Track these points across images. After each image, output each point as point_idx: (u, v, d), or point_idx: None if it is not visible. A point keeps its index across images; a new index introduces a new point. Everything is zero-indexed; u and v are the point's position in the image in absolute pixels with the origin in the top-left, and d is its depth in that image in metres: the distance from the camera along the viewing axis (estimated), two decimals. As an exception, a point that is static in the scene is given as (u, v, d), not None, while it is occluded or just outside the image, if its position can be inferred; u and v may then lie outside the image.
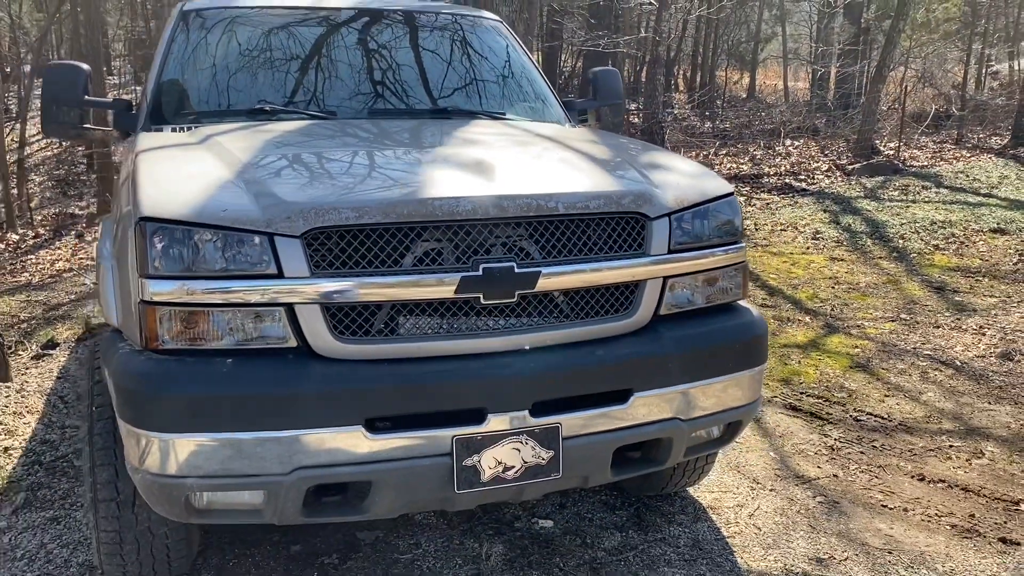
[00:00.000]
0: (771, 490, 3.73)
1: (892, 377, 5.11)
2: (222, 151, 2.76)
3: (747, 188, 11.34)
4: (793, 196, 10.77)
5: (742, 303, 2.88)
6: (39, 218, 12.40)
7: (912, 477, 3.88)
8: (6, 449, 3.97)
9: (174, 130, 3.27)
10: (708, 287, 2.74)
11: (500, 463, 2.37)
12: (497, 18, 4.50)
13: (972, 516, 3.53)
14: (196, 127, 3.25)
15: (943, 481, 3.84)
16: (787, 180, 11.75)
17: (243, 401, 2.22)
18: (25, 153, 13.80)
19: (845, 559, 3.20)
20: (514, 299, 2.39)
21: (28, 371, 4.99)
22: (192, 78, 3.64)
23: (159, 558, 2.79)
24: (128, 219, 2.42)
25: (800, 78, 26.32)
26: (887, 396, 4.83)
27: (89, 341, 5.59)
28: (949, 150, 13.61)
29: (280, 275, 2.25)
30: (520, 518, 3.43)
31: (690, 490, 3.68)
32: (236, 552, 3.17)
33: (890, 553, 3.25)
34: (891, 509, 3.59)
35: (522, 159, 2.96)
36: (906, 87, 15.35)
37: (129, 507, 2.66)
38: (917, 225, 8.94)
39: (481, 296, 2.36)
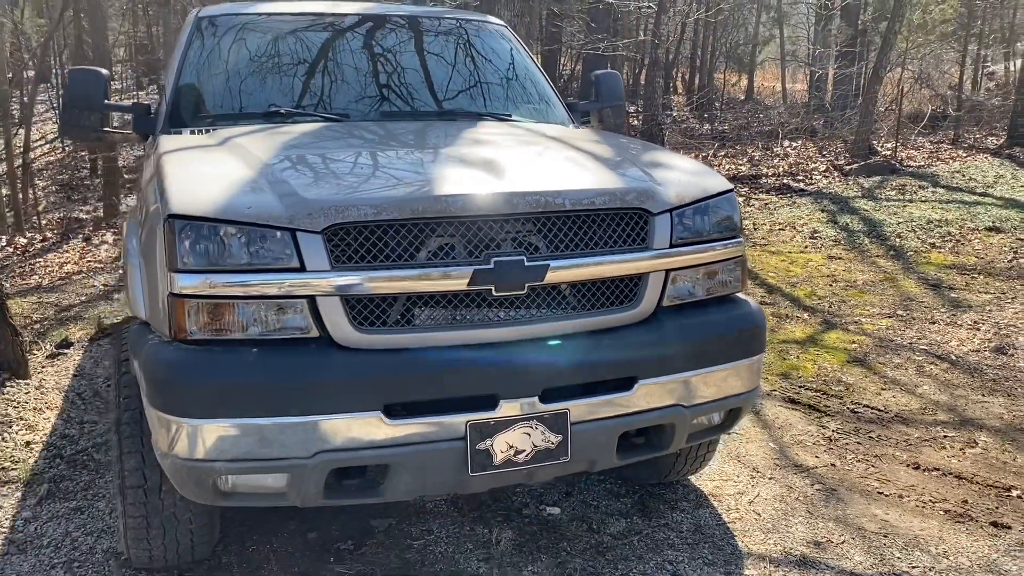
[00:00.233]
0: (770, 478, 3.85)
1: (888, 371, 5.23)
2: (242, 152, 2.88)
3: (746, 189, 11.47)
4: (791, 196, 10.89)
5: (741, 295, 3.00)
6: (45, 222, 12.53)
7: (907, 466, 4.00)
8: (28, 443, 4.09)
9: (193, 132, 3.39)
10: (708, 280, 2.86)
11: (512, 447, 2.49)
12: (501, 22, 4.63)
13: (965, 502, 3.65)
14: (214, 129, 3.37)
15: (937, 469, 3.96)
16: (785, 181, 11.88)
17: (268, 388, 2.34)
18: (29, 158, 13.93)
19: (842, 542, 3.32)
20: (524, 291, 2.51)
21: (44, 369, 5.11)
22: (208, 82, 3.76)
23: (183, 543, 2.91)
24: (155, 217, 2.54)
25: (798, 80, 26.46)
26: (883, 389, 4.95)
27: (103, 340, 5.71)
28: (946, 150, 13.74)
29: (302, 268, 2.37)
30: (528, 505, 3.55)
31: (692, 478, 3.80)
32: (255, 539, 3.28)
33: (885, 537, 3.36)
34: (887, 496, 3.71)
35: (529, 158, 3.08)
36: (902, 88, 15.49)
37: (156, 493, 2.78)
38: (914, 224, 9.06)
39: (493, 288, 2.48)
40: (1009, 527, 3.44)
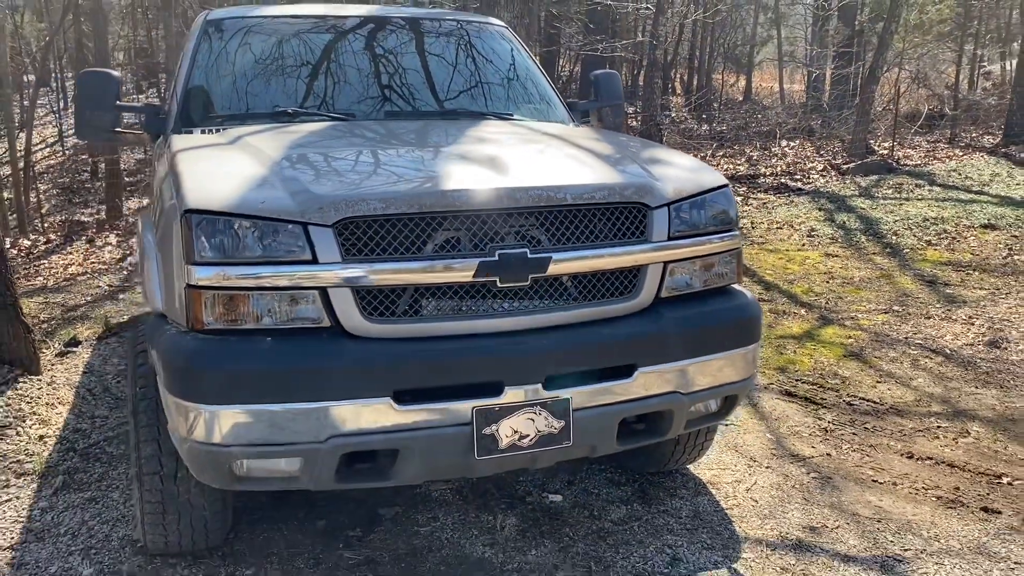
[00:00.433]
0: (767, 467, 3.95)
1: (884, 365, 5.33)
2: (254, 150, 2.98)
3: (744, 188, 11.57)
4: (789, 195, 10.99)
5: (737, 287, 3.10)
6: (47, 224, 12.62)
7: (901, 455, 4.10)
8: (42, 437, 4.19)
9: (203, 132, 3.49)
10: (705, 272, 2.96)
11: (516, 432, 2.59)
12: (502, 23, 4.73)
13: (957, 489, 3.75)
14: (224, 129, 3.47)
15: (930, 458, 4.06)
16: (783, 180, 11.98)
17: (282, 376, 2.44)
18: (31, 161, 14.02)
19: (837, 527, 3.42)
20: (527, 282, 2.61)
21: (54, 367, 5.20)
22: (217, 83, 3.86)
23: (198, 528, 3.01)
24: (172, 212, 2.64)
25: (796, 80, 26.59)
26: (879, 382, 5.05)
27: (111, 338, 5.81)
28: (942, 149, 13.84)
29: (315, 261, 2.47)
30: (531, 493, 3.65)
31: (691, 467, 3.89)
32: (265, 527, 3.38)
33: (879, 522, 3.46)
34: (881, 484, 3.81)
35: (531, 155, 3.18)
36: (899, 88, 15.60)
37: (171, 480, 2.87)
38: (910, 222, 9.16)
39: (497, 280, 2.57)
40: (999, 512, 3.54)
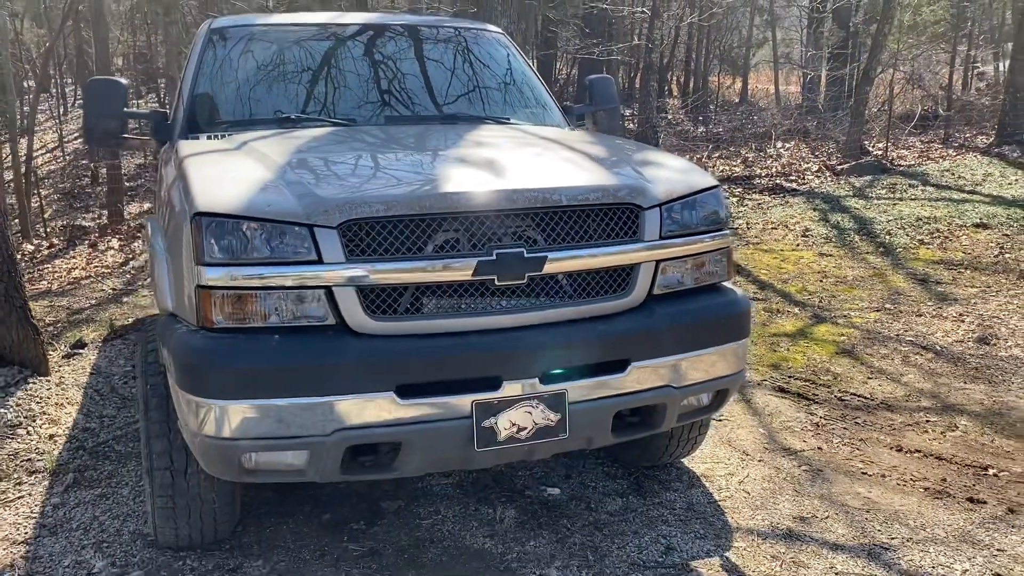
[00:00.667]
0: (760, 461, 4.05)
1: (875, 361, 5.43)
2: (259, 155, 3.09)
3: (739, 189, 11.68)
4: (784, 196, 11.10)
5: (727, 284, 3.21)
6: (50, 229, 12.73)
7: (891, 448, 4.20)
8: (52, 436, 4.29)
9: (210, 138, 3.59)
10: (696, 270, 3.07)
11: (514, 424, 2.69)
12: (499, 30, 4.84)
13: (944, 480, 3.85)
14: (230, 135, 3.58)
15: (919, 451, 4.16)
16: (778, 181, 12.09)
17: (289, 372, 2.55)
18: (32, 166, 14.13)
19: (826, 518, 3.52)
20: (524, 281, 2.72)
21: (61, 368, 5.30)
22: (222, 90, 3.96)
23: (207, 521, 3.11)
24: (181, 215, 2.74)
25: (792, 82, 26.72)
26: (870, 378, 5.15)
27: (116, 340, 5.91)
28: (936, 149, 13.95)
29: (320, 261, 2.57)
30: (530, 487, 3.75)
31: (684, 461, 4.00)
32: (272, 521, 3.48)
33: (867, 512, 3.57)
34: (870, 476, 3.91)
35: (528, 158, 3.29)
36: (893, 89, 15.73)
37: (181, 475, 2.98)
38: (903, 221, 9.27)
39: (495, 278, 2.68)
40: (984, 502, 3.64)
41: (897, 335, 5.92)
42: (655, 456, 3.80)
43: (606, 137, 4.02)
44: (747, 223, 9.71)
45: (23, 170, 12.62)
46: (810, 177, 12.31)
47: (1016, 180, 10.94)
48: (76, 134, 21.22)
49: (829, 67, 19.61)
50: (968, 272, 7.52)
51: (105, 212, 13.67)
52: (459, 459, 2.78)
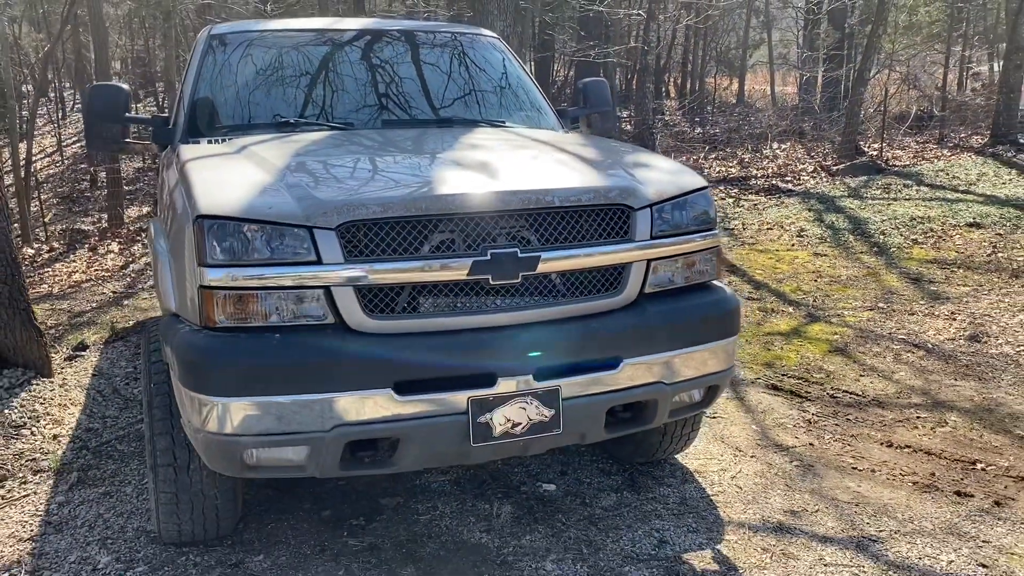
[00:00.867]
0: (752, 457, 4.13)
1: (868, 359, 5.51)
2: (259, 158, 3.16)
3: (735, 190, 11.77)
4: (779, 197, 11.19)
5: (717, 282, 3.28)
6: (49, 233, 12.80)
7: (881, 444, 4.28)
8: (56, 436, 4.36)
9: (210, 142, 3.66)
10: (687, 269, 3.14)
11: (509, 420, 2.76)
12: (494, 35, 4.92)
13: (932, 474, 3.93)
14: (229, 139, 3.65)
15: (909, 447, 4.23)
16: (774, 182, 12.18)
17: (290, 369, 2.61)
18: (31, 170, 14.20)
19: (816, 511, 3.59)
20: (518, 280, 2.79)
21: (64, 370, 5.37)
22: (222, 95, 4.03)
23: (209, 517, 3.18)
24: (184, 218, 2.81)
25: (788, 83, 26.83)
26: (862, 376, 5.23)
27: (117, 343, 5.97)
28: (931, 149, 14.05)
29: (319, 262, 2.64)
30: (526, 483, 3.82)
31: (678, 457, 4.07)
32: (273, 517, 3.55)
33: (857, 506, 3.64)
34: (860, 471, 3.98)
35: (522, 160, 3.36)
36: (888, 89, 15.82)
37: (185, 471, 3.04)
38: (897, 221, 9.35)
39: (490, 278, 2.75)
40: (972, 495, 3.71)
41: (889, 333, 6.00)
42: (649, 452, 3.87)
43: (599, 139, 4.10)
44: (743, 223, 9.79)
45: (23, 174, 12.70)
46: (806, 178, 12.40)
47: (1010, 180, 11.03)
48: (75, 138, 21.32)
49: (825, 68, 19.71)
50: (961, 271, 7.60)
51: (104, 216, 13.76)
52: (456, 454, 2.85)
